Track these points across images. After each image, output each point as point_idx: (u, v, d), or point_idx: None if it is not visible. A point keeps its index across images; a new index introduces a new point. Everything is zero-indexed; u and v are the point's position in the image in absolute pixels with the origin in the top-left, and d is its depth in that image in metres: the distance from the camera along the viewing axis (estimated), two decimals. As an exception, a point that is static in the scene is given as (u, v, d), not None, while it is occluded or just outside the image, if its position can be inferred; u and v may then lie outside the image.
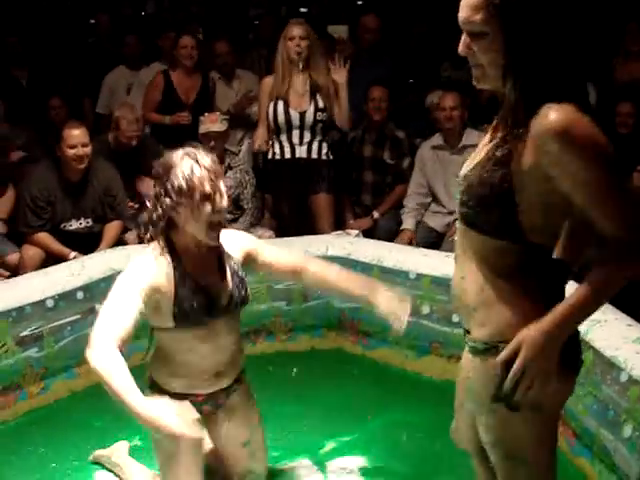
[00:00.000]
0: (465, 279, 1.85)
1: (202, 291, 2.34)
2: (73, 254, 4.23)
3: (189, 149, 2.31)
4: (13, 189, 4.58)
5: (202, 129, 4.78)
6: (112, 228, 4.49)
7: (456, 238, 1.93)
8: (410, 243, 4.79)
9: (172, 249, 2.34)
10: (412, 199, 4.98)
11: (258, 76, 5.61)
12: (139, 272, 2.29)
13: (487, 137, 1.85)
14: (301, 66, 4.64)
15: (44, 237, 4.32)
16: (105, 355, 2.16)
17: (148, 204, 2.36)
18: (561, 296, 1.80)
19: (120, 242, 4.46)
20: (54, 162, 4.35)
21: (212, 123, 4.78)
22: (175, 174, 2.24)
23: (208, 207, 2.24)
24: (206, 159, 2.28)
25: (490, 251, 1.79)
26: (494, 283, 1.79)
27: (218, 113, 4.96)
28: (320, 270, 2.63)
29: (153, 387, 2.47)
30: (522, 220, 1.72)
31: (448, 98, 4.78)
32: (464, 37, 1.74)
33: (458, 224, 1.89)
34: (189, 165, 2.24)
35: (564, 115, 1.61)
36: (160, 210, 2.28)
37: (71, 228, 4.42)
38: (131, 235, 4.60)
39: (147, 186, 4.99)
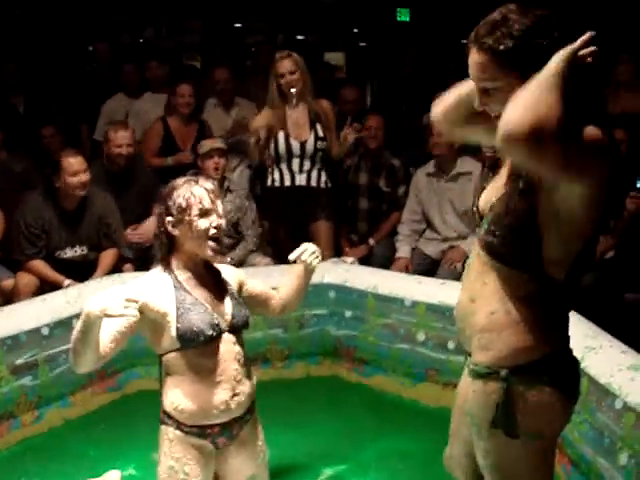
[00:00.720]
0: (475, 302, 1.89)
1: (204, 308, 2.35)
2: (67, 282, 4.23)
3: (191, 176, 2.46)
4: (2, 215, 4.58)
5: (204, 148, 4.79)
6: (107, 256, 4.48)
7: (469, 260, 1.98)
8: (406, 270, 4.79)
9: (173, 269, 2.38)
10: (406, 226, 4.99)
11: (255, 103, 5.66)
12: (139, 289, 2.31)
13: (507, 165, 1.88)
14: (297, 98, 4.68)
15: (38, 265, 4.31)
16: None
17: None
18: (566, 326, 1.87)
19: (116, 271, 4.46)
20: (50, 190, 4.36)
21: (213, 141, 4.83)
22: (177, 194, 2.37)
23: (206, 222, 2.33)
24: (207, 183, 2.40)
25: (507, 279, 1.83)
26: (505, 309, 1.83)
27: (215, 137, 5.03)
28: (283, 287, 2.73)
29: (167, 421, 2.40)
30: (544, 253, 1.77)
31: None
32: (478, 94, 1.79)
33: (477, 249, 1.93)
34: (190, 186, 2.37)
35: None
36: (162, 228, 2.38)
37: (66, 256, 4.42)
38: (128, 264, 4.61)
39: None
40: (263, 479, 2.62)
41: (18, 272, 4.34)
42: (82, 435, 3.46)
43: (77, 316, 3.55)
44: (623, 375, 2.81)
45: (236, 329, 2.44)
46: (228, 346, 2.40)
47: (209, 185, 2.40)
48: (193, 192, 2.35)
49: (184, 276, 2.38)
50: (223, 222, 2.39)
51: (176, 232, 2.36)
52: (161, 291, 2.34)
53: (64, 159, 4.26)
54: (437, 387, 3.78)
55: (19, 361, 3.38)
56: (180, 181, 2.41)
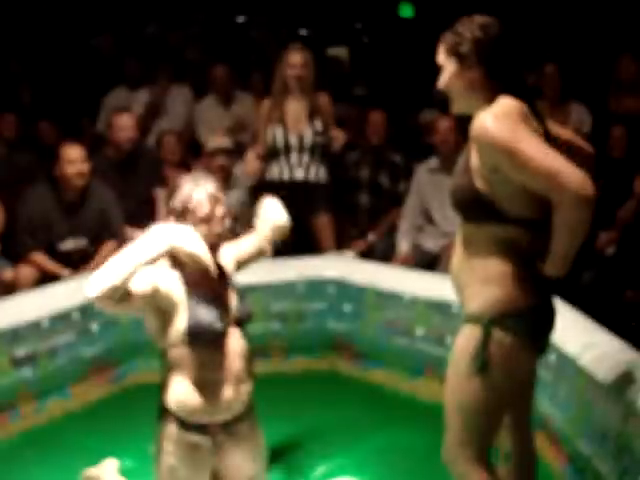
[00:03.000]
0: (462, 262, 2.23)
1: (211, 303, 2.36)
2: (67, 273, 4.25)
3: (198, 174, 2.49)
4: (3, 209, 4.59)
5: (210, 147, 4.79)
6: (106, 248, 4.49)
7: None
8: (406, 265, 4.80)
9: (179, 265, 2.38)
10: (406, 221, 4.99)
11: (258, 97, 5.68)
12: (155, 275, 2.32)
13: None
14: (299, 92, 4.70)
15: (39, 257, 4.33)
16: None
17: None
18: (542, 282, 2.15)
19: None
20: (50, 181, 4.37)
21: (220, 140, 4.82)
22: (179, 196, 2.38)
23: (204, 229, 2.33)
24: (209, 185, 2.39)
25: (479, 235, 2.17)
26: (483, 265, 2.16)
27: (222, 134, 5.03)
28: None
29: (168, 418, 2.39)
30: (500, 207, 2.10)
31: (444, 121, 4.81)
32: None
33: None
34: (190, 189, 2.38)
35: (483, 121, 2.03)
36: None
37: (66, 248, 4.43)
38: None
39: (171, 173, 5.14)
40: (262, 477, 2.63)
41: (18, 264, 4.36)
42: (82, 427, 3.47)
43: (77, 308, 3.61)
44: (621, 372, 2.82)
45: (241, 323, 2.46)
46: (234, 340, 2.41)
47: (210, 188, 2.39)
48: (193, 197, 2.36)
49: (190, 272, 2.38)
50: (220, 228, 2.39)
51: None
52: (172, 283, 2.35)
53: (62, 149, 4.30)
54: (435, 382, 3.77)
55: (19, 353, 3.39)
56: (184, 181, 2.40)
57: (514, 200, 2.09)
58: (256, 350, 3.94)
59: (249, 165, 4.90)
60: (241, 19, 8.77)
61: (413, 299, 3.83)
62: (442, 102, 5.48)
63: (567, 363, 3.03)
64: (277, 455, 3.20)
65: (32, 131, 5.73)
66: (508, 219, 2.10)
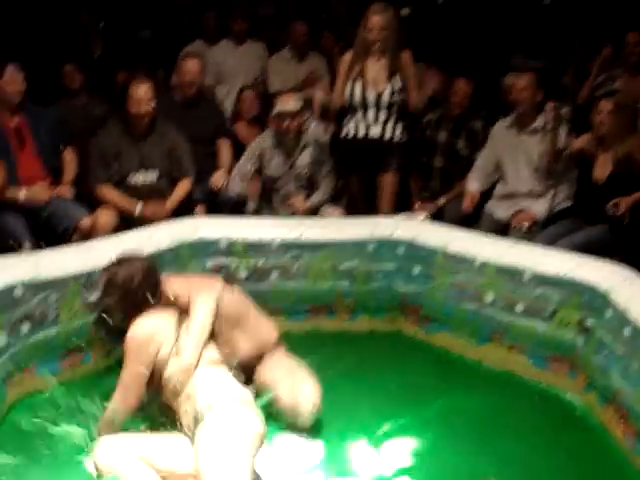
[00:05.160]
0: None
1: None
2: (139, 206, 4.40)
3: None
4: (73, 153, 4.75)
5: (276, 109, 4.80)
6: (182, 186, 4.64)
7: None
8: (472, 205, 4.77)
9: None
10: (479, 172, 4.94)
11: (330, 56, 5.71)
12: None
13: None
14: (380, 52, 4.71)
15: (111, 191, 4.51)
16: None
17: None
18: None
19: (188, 212, 4.51)
20: (121, 118, 4.58)
21: (286, 103, 4.80)
22: None
23: None
24: None
25: None
26: None
27: (292, 93, 5.01)
28: None
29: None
30: None
31: (522, 79, 4.73)
32: None
33: None
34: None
35: None
36: None
37: (137, 181, 4.56)
38: (199, 206, 4.68)
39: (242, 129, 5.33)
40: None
41: (96, 210, 4.47)
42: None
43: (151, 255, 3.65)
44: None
45: None
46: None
47: None
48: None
49: None
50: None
51: None
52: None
53: (133, 85, 4.48)
54: (502, 349, 3.74)
55: (93, 298, 3.46)
56: None
57: None
58: (322, 308, 4.05)
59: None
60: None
61: (484, 264, 3.76)
62: (520, 65, 5.41)
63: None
64: (338, 412, 3.21)
65: (106, 82, 5.81)
66: None
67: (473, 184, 4.93)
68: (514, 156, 4.79)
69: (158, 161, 4.58)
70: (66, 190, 4.64)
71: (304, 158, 4.84)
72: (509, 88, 5.01)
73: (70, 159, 4.81)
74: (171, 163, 4.62)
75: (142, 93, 4.46)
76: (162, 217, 4.33)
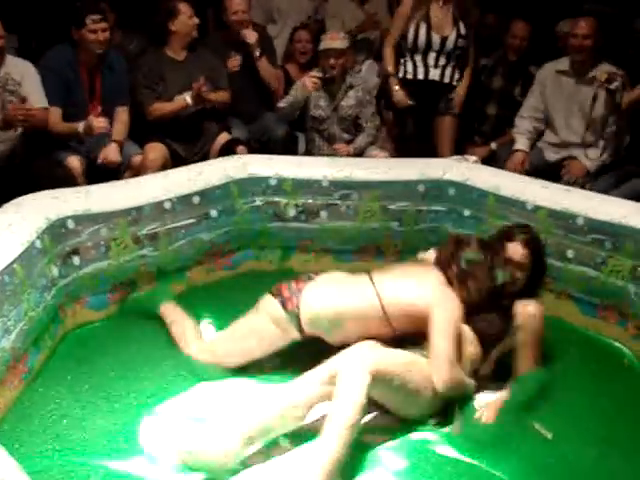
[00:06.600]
0: None
1: None
2: (188, 98, 4.51)
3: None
4: (125, 112, 4.58)
5: (322, 45, 4.73)
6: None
7: None
8: (522, 166, 4.67)
9: None
10: (526, 121, 4.80)
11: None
12: None
13: None
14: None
15: (163, 104, 4.58)
16: None
17: None
18: None
19: (230, 152, 4.48)
20: (160, 41, 4.64)
21: (332, 40, 4.73)
22: None
23: None
24: None
25: None
26: None
27: (339, 31, 4.93)
28: None
29: None
30: None
31: (581, 24, 4.50)
32: None
33: None
34: None
35: None
36: None
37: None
38: (241, 146, 4.66)
39: (294, 71, 5.29)
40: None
41: (146, 146, 4.48)
42: (199, 301, 3.58)
43: (197, 193, 3.67)
44: None
45: None
46: None
47: None
48: None
49: None
50: None
51: None
52: None
53: (178, 3, 4.54)
54: (551, 295, 3.68)
55: (142, 232, 3.50)
56: None
57: None
58: (371, 248, 4.03)
59: (387, 59, 4.88)
60: None
61: (535, 208, 3.69)
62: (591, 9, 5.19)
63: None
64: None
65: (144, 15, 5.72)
66: None
67: (522, 141, 4.79)
68: (567, 104, 4.64)
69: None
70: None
71: (349, 100, 4.79)
72: (565, 35, 4.85)
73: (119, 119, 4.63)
74: (212, 83, 4.65)
75: (183, 9, 4.53)
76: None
